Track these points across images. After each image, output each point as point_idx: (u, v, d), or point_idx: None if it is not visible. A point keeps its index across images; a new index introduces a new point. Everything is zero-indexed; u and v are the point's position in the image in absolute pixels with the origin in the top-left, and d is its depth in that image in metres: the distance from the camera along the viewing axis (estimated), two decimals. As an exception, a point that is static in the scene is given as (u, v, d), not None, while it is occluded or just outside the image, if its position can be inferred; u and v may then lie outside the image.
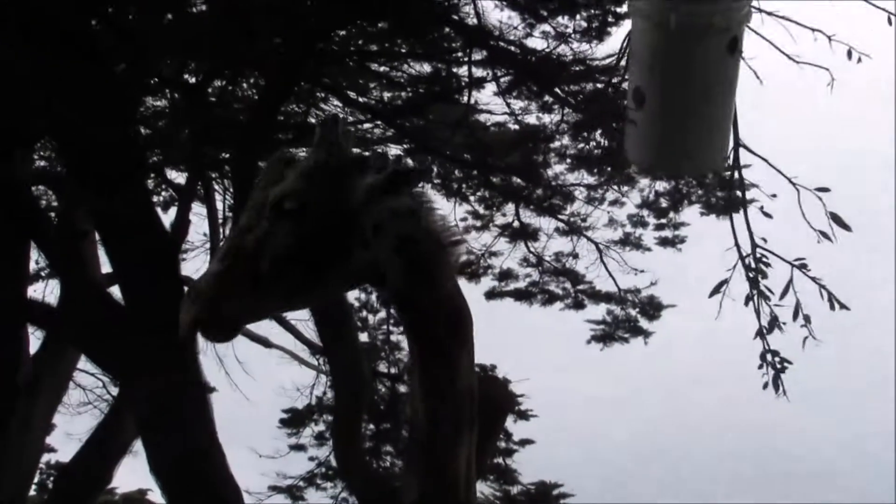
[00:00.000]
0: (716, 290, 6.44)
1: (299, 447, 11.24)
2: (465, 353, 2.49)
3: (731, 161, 6.31)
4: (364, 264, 2.40)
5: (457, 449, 2.46)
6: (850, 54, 6.07)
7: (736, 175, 6.65)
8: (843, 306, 6.08)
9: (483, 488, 10.60)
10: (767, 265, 6.48)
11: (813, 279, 6.16)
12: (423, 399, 2.45)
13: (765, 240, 6.49)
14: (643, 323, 10.87)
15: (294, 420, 11.20)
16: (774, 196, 6.33)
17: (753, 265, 6.50)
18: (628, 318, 10.97)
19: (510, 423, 10.46)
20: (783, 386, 6.22)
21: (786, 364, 6.25)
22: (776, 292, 6.41)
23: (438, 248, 2.46)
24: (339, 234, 2.37)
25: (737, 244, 6.62)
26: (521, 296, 11.23)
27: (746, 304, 6.53)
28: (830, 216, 5.99)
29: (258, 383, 10.87)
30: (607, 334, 11.02)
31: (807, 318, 6.17)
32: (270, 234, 2.36)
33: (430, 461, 2.44)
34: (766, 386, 6.28)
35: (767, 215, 6.35)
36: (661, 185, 10.19)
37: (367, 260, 2.39)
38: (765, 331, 6.45)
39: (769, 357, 6.39)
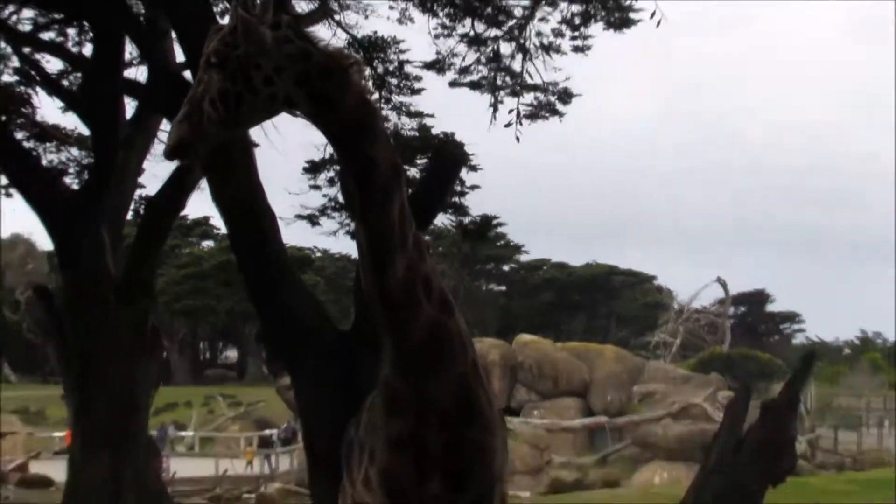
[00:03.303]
0: None
1: (317, 187, 13.30)
2: (378, 141, 2.83)
3: None
4: (271, 96, 2.77)
5: (387, 205, 2.83)
6: None
7: None
8: None
9: (444, 220, 13.15)
10: None
11: None
12: (351, 176, 2.88)
13: None
14: (559, 106, 13.26)
15: (314, 168, 13.22)
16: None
17: None
18: (549, 102, 13.26)
19: (464, 172, 12.07)
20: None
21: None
22: None
23: (332, 74, 2.75)
24: (248, 77, 2.74)
25: None
26: (474, 86, 13.58)
27: None
28: None
29: (289, 140, 11.49)
30: (534, 114, 13.29)
31: None
32: (207, 82, 2.78)
33: (367, 212, 2.86)
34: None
35: None
36: (576, 8, 12.32)
37: (273, 93, 2.76)
38: None
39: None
